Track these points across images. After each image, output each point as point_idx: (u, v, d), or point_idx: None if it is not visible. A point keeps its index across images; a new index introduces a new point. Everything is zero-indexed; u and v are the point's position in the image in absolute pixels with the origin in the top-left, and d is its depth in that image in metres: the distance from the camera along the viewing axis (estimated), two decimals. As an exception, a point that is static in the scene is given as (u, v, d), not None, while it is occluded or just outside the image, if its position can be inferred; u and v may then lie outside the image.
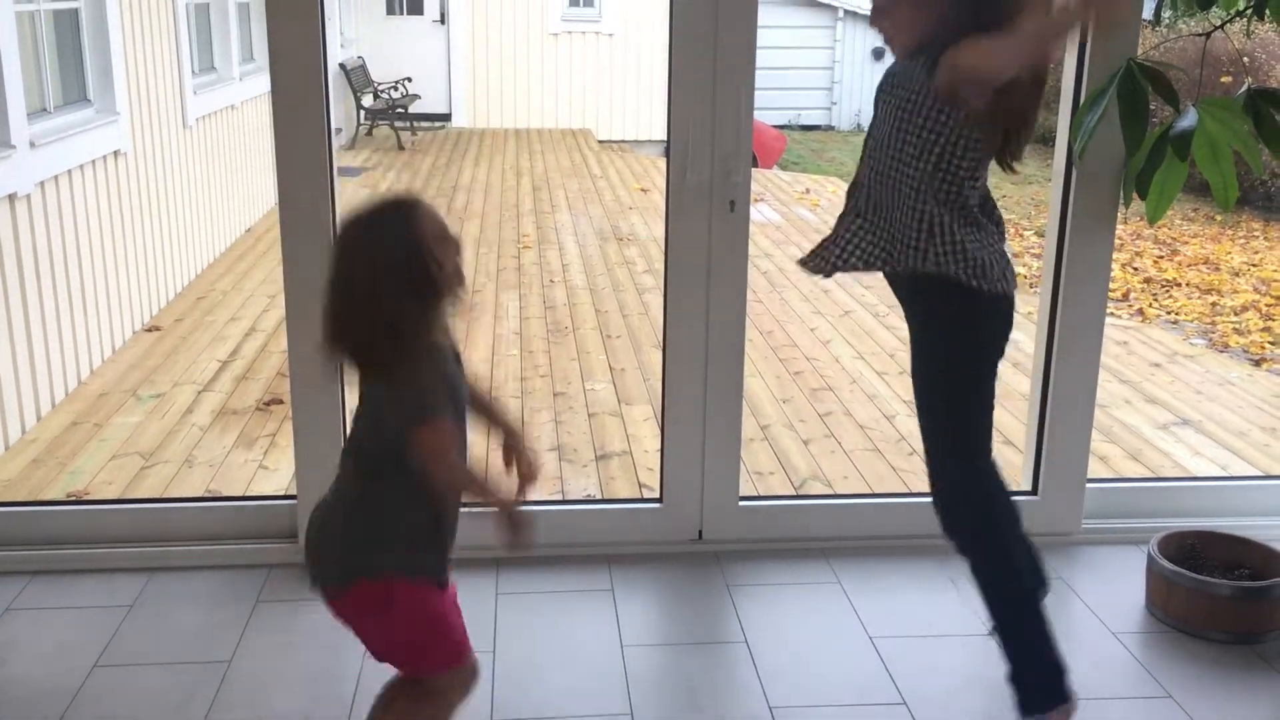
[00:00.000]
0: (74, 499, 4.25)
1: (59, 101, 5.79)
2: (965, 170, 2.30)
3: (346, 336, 1.96)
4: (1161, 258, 9.13)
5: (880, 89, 2.41)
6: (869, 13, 2.44)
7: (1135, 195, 3.06)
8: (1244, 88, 2.95)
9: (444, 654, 2.16)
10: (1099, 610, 3.11)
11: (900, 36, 2.35)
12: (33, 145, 5.12)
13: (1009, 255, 2.41)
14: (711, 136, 3.13)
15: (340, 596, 2.07)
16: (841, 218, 2.49)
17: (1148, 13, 3.14)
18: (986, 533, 2.44)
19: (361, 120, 13.75)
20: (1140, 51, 3.11)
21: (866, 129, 2.51)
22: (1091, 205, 3.23)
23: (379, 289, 1.92)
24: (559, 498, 4.40)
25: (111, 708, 2.66)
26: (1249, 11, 2.90)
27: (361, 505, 2.05)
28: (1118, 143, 3.01)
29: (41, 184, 5.24)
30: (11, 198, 4.91)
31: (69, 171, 5.58)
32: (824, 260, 2.47)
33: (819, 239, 2.52)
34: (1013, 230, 10.37)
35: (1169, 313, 7.56)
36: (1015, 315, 2.41)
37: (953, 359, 2.41)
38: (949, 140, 2.27)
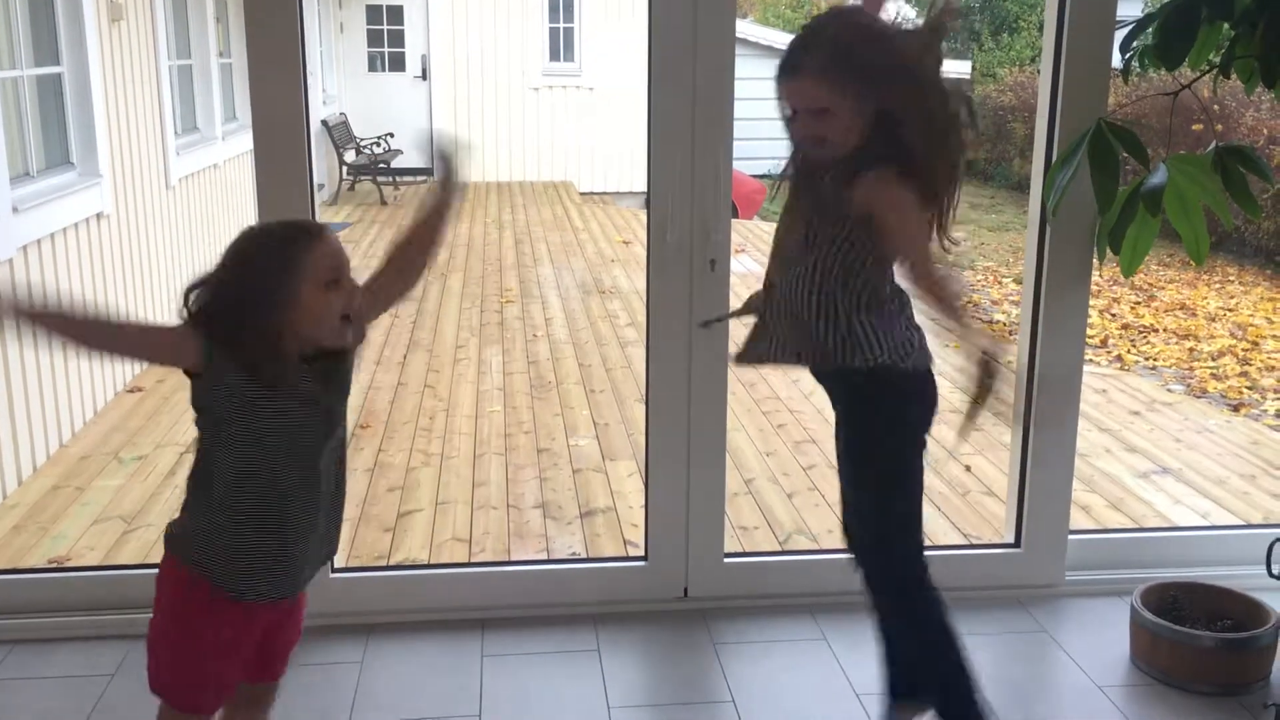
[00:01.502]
0: (55, 565, 4.21)
1: (41, 165, 5.81)
2: (876, 272, 2.28)
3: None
4: (1139, 304, 9.22)
5: (794, 177, 2.36)
6: (785, 95, 2.25)
7: (1110, 251, 3.11)
8: (1212, 144, 3.01)
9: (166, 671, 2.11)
10: (1083, 663, 3.11)
11: (823, 132, 2.21)
12: (15, 210, 5.13)
13: (918, 325, 2.39)
14: (691, 195, 3.17)
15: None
16: (763, 314, 2.44)
17: (1116, 63, 3.21)
18: (907, 616, 2.41)
19: (344, 176, 13.82)
20: (1111, 102, 3.18)
21: (779, 218, 2.46)
22: (1067, 258, 3.28)
23: (230, 290, 1.93)
24: (544, 557, 4.39)
25: (93, 781, 2.63)
26: (1214, 71, 2.97)
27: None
28: (1090, 199, 3.06)
29: (24, 248, 5.25)
30: (-7, 262, 4.92)
31: (51, 235, 5.59)
32: (754, 354, 2.43)
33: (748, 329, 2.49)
34: (991, 278, 10.45)
35: (1147, 359, 7.62)
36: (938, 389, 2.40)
37: (880, 441, 2.38)
38: (862, 250, 2.23)
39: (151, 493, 4.96)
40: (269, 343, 1.92)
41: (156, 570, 2.10)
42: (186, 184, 8.02)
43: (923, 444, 2.40)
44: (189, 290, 1.96)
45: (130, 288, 6.54)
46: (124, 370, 6.43)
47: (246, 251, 1.97)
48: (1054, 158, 3.19)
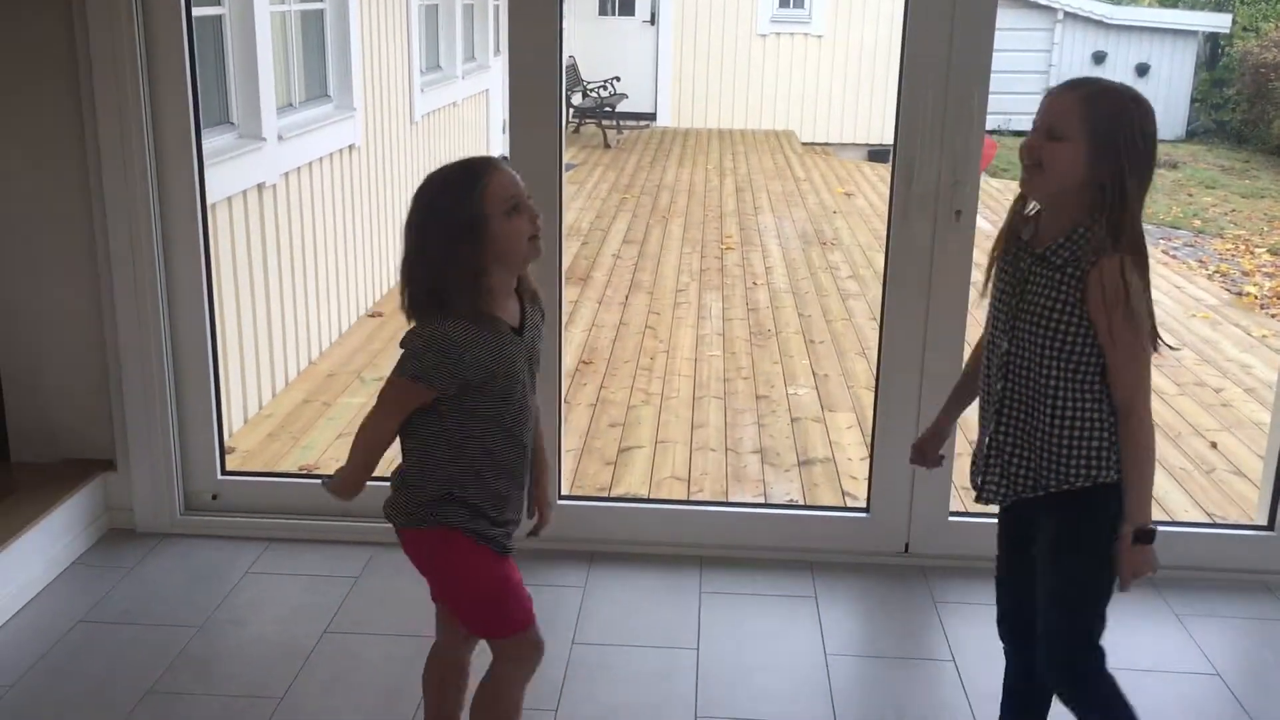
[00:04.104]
0: (305, 472, 4.51)
1: (302, 97, 6.16)
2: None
3: (406, 287, 2.04)
4: None
5: (1012, 271, 2.10)
6: (1042, 107, 2.05)
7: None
8: None
9: (501, 618, 2.17)
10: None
11: (1044, 156, 2.02)
12: (280, 138, 5.46)
13: None
14: (940, 144, 3.08)
15: (401, 537, 2.17)
16: (982, 434, 2.22)
17: None
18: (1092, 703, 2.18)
19: (570, 118, 14.08)
20: None
21: (987, 319, 2.19)
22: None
23: (425, 240, 2.00)
24: (761, 500, 4.41)
25: (340, 671, 2.83)
26: None
27: (406, 454, 2.13)
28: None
29: (285, 175, 5.59)
30: (260, 187, 5.26)
31: (310, 164, 5.93)
32: (986, 492, 2.19)
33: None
34: (1243, 246, 9.77)
35: None
36: None
37: (1102, 568, 2.08)
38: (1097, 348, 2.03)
39: (389, 412, 5.22)
40: (476, 282, 1.98)
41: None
42: (428, 120, 8.34)
43: None
44: (404, 290, 2.05)
45: (375, 217, 6.89)
46: (367, 295, 6.80)
47: (432, 201, 2.03)
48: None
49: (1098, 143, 1.97)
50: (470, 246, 1.98)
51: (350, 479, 2.13)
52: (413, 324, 2.05)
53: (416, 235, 2.02)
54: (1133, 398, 2.01)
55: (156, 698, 2.71)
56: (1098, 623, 2.12)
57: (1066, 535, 2.10)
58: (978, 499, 2.23)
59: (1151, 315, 2.01)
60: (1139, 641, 2.96)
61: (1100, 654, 2.13)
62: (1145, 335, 1.99)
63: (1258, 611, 3.14)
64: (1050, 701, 2.31)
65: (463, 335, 1.99)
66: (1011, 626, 2.31)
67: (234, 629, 3.02)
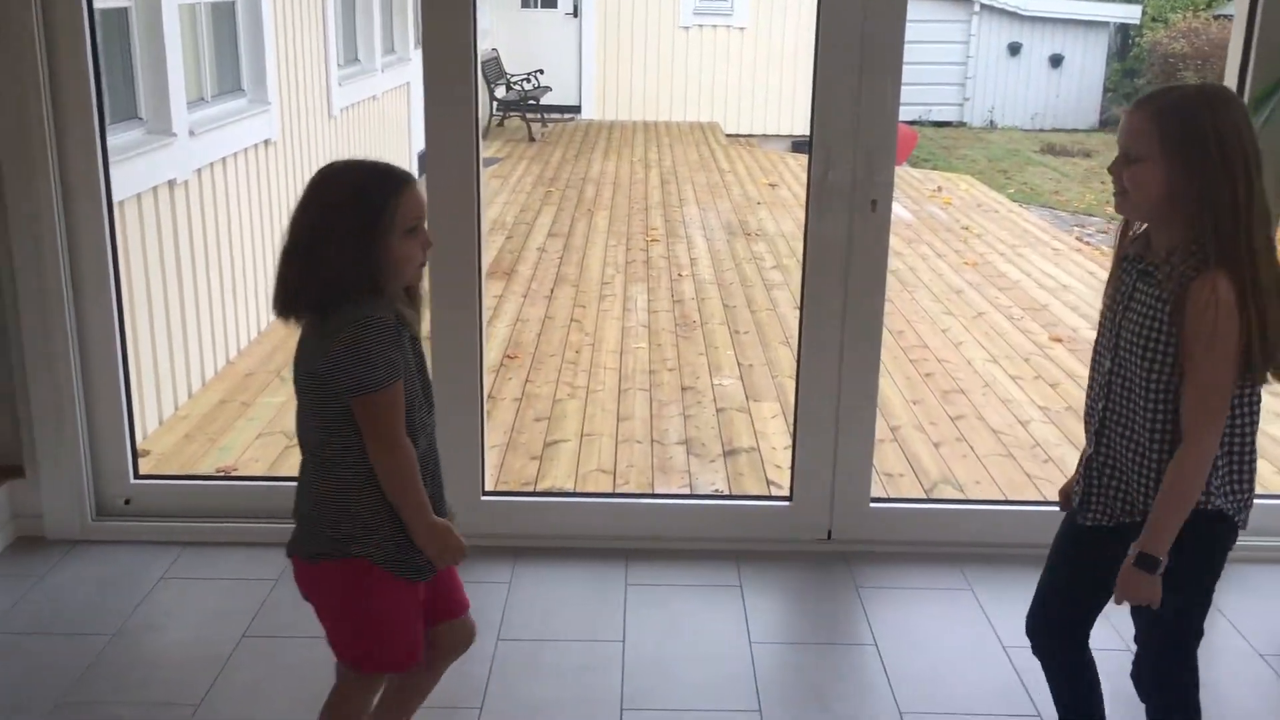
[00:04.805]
0: (223, 474, 4.43)
1: (215, 91, 6.03)
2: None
3: (289, 283, 1.95)
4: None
5: (1116, 288, 2.06)
6: (1120, 130, 1.99)
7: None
8: None
9: (386, 652, 2.11)
10: (1246, 631, 3.00)
11: (1138, 198, 1.97)
12: (191, 133, 5.34)
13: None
14: (855, 134, 3.11)
15: (304, 570, 2.08)
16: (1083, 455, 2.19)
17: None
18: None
19: (494, 111, 13.98)
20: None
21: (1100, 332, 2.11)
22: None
23: (326, 237, 1.91)
24: (687, 492, 4.42)
25: (259, 676, 2.78)
26: None
27: (320, 483, 2.01)
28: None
29: (198, 171, 5.47)
30: (171, 184, 5.14)
31: (223, 159, 5.81)
32: (1085, 514, 2.15)
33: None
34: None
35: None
36: None
37: (1203, 587, 2.10)
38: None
39: (310, 411, 5.14)
40: (374, 285, 1.91)
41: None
42: (347, 114, 8.23)
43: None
44: (285, 286, 1.96)
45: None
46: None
47: (341, 201, 1.93)
48: (1246, 102, 3.02)
49: (1174, 158, 1.89)
50: (369, 255, 1.90)
51: (423, 529, 2.00)
52: (284, 319, 1.97)
53: (312, 232, 1.94)
54: (1197, 425, 1.91)
55: (69, 708, 2.64)
56: (1195, 639, 2.10)
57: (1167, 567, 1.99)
58: (1078, 520, 2.15)
59: (1267, 342, 1.88)
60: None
61: (1195, 673, 2.12)
62: (1229, 363, 1.88)
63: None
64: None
65: (380, 321, 1.91)
66: (1056, 638, 2.26)
67: (149, 636, 2.95)
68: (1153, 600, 1.98)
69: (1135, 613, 2.13)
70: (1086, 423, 2.16)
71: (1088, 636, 2.25)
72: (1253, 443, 2.01)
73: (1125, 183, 1.97)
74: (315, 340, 1.95)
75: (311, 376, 1.96)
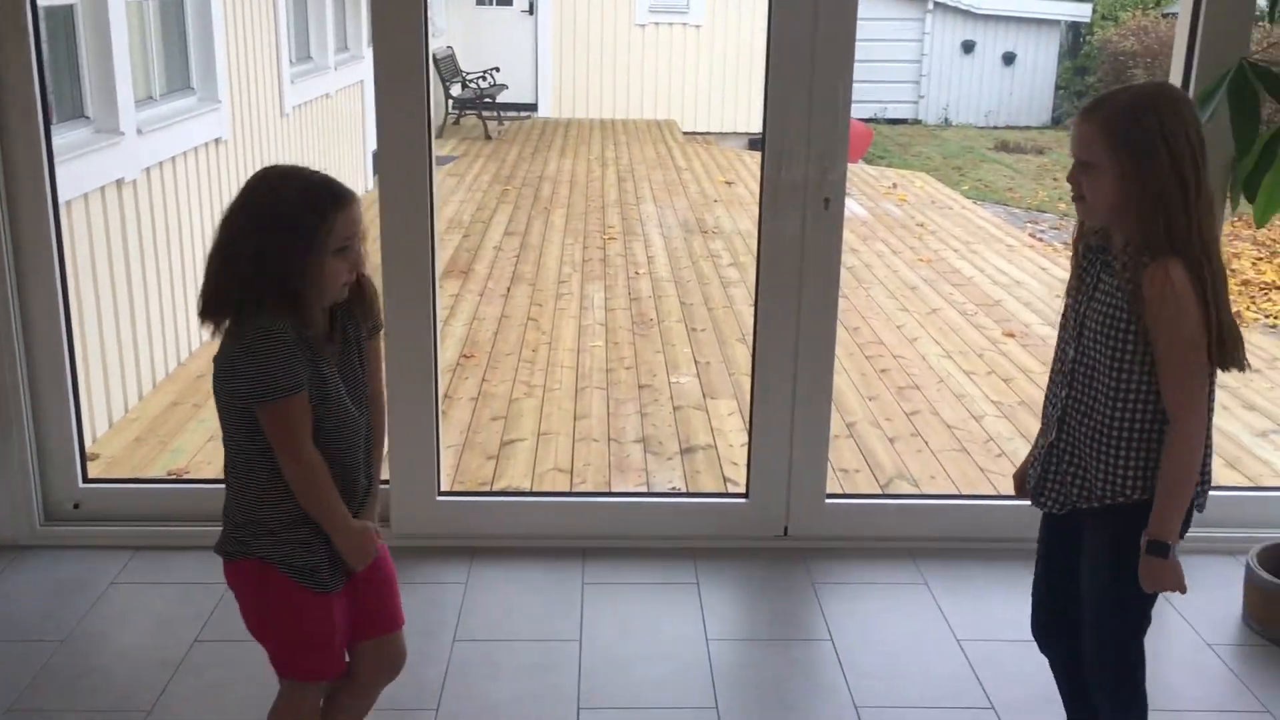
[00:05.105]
0: (174, 477, 4.37)
1: (163, 89, 5.95)
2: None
3: (209, 282, 1.94)
4: (1260, 259, 8.87)
5: (1080, 279, 2.11)
6: (1072, 138, 2.05)
7: (1244, 198, 2.98)
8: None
9: (300, 659, 2.13)
10: (1194, 621, 3.04)
11: (1096, 203, 2.02)
12: (139, 132, 5.27)
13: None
14: (808, 133, 3.12)
15: (225, 567, 2.11)
16: (1040, 442, 2.23)
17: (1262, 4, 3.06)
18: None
19: (450, 109, 13.91)
20: (1254, 49, 3.04)
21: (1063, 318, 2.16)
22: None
23: (252, 237, 1.89)
24: (644, 490, 4.42)
25: (211, 681, 2.74)
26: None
27: (234, 484, 2.04)
28: (1227, 144, 2.94)
29: (147, 170, 5.39)
30: (119, 183, 5.07)
31: (173, 158, 5.73)
32: (1042, 500, 2.19)
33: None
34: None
35: (1268, 316, 7.35)
36: None
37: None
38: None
39: (264, 412, 5.09)
40: (295, 297, 1.89)
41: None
42: (300, 112, 8.15)
43: None
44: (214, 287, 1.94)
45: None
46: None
47: (278, 209, 1.91)
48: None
49: (1125, 163, 1.94)
50: (291, 271, 1.88)
51: (338, 534, 2.02)
52: (203, 322, 1.96)
53: (238, 238, 1.92)
54: (1179, 408, 1.97)
55: (17, 716, 2.60)
56: (1143, 625, 2.14)
57: (1116, 549, 2.06)
58: (1034, 505, 2.20)
59: (1221, 329, 1.94)
60: (1009, 613, 3.05)
61: (1143, 659, 2.16)
62: (1196, 345, 1.93)
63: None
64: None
65: (280, 332, 1.90)
66: (1048, 632, 2.32)
67: (99, 642, 2.91)
68: (1178, 586, 2.01)
69: (1085, 600, 2.17)
70: (1047, 410, 2.20)
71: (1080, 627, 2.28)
72: (1209, 430, 2.06)
73: (1084, 190, 2.02)
74: (225, 345, 1.95)
75: (217, 381, 1.97)
